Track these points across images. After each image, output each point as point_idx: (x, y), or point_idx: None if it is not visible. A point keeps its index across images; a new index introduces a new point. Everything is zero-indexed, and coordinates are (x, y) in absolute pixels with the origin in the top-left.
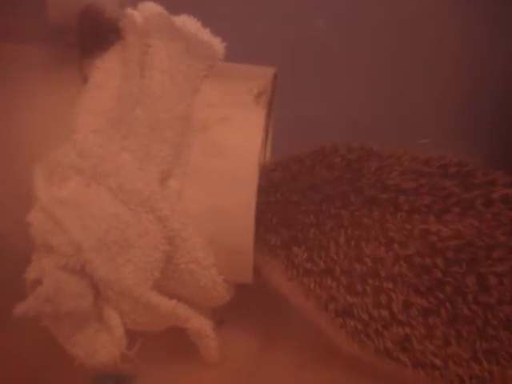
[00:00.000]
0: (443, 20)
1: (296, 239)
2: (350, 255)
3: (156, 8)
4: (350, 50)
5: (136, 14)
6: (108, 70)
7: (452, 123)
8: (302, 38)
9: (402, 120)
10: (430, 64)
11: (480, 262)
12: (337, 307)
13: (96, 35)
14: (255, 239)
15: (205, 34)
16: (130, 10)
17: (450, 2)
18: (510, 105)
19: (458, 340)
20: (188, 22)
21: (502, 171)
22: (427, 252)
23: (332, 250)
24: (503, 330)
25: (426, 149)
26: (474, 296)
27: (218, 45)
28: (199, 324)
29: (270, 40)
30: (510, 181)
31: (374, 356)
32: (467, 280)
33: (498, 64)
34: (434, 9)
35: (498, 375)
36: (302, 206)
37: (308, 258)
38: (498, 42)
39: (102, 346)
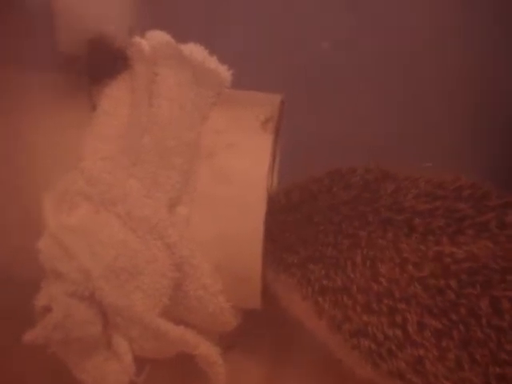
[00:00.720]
0: (451, 31)
1: (313, 258)
2: (366, 274)
3: (164, 36)
4: (356, 71)
5: (144, 43)
6: (116, 98)
7: (463, 135)
8: (308, 61)
9: (412, 137)
10: (440, 77)
11: (494, 284)
12: (351, 327)
13: (105, 64)
14: (270, 258)
15: (212, 62)
16: (137, 39)
17: (455, 13)
18: None
19: (470, 364)
20: (195, 50)
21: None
22: (441, 274)
23: (349, 269)
24: None
25: (432, 171)
26: (488, 319)
27: (225, 72)
28: (207, 350)
29: (277, 65)
30: None
31: (386, 378)
32: (481, 303)
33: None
34: (441, 20)
35: None
36: (321, 225)
37: (325, 275)
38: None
39: (110, 373)
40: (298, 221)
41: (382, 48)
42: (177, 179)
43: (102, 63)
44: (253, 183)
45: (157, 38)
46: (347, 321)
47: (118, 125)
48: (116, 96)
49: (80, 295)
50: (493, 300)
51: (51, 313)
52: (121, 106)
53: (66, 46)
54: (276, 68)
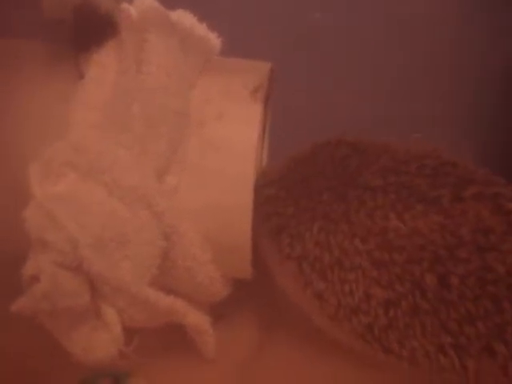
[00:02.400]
0: (444, 13)
1: (281, 227)
2: (321, 244)
3: (152, 3)
4: (348, 44)
5: (132, 9)
6: (104, 65)
7: (451, 117)
8: (300, 31)
9: (401, 114)
10: (430, 58)
11: (441, 261)
12: (312, 291)
13: (91, 30)
14: (256, 224)
15: (201, 29)
16: (125, 5)
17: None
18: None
19: (422, 332)
20: (184, 17)
21: (485, 170)
22: (385, 247)
23: (307, 239)
24: (467, 326)
25: (420, 143)
26: (434, 293)
27: (214, 40)
28: (197, 319)
29: (267, 34)
30: (488, 179)
31: (351, 338)
32: (426, 278)
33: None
34: (434, 3)
35: (472, 367)
36: (288, 200)
37: (289, 244)
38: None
39: (99, 342)
40: (272, 195)
41: (374, 19)
42: (164, 148)
43: (89, 29)
44: (242, 153)
45: (145, 4)
46: (309, 285)
47: (105, 92)
48: (104, 63)
49: (67, 265)
50: (440, 276)
51: (39, 283)
52: (108, 73)
53: (51, 12)
54: (266, 37)
